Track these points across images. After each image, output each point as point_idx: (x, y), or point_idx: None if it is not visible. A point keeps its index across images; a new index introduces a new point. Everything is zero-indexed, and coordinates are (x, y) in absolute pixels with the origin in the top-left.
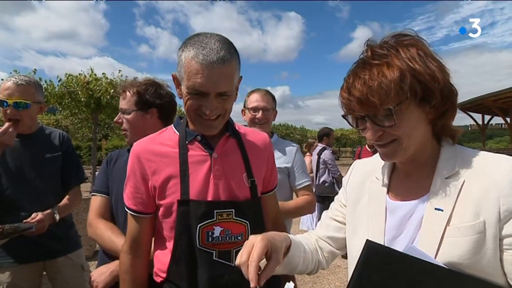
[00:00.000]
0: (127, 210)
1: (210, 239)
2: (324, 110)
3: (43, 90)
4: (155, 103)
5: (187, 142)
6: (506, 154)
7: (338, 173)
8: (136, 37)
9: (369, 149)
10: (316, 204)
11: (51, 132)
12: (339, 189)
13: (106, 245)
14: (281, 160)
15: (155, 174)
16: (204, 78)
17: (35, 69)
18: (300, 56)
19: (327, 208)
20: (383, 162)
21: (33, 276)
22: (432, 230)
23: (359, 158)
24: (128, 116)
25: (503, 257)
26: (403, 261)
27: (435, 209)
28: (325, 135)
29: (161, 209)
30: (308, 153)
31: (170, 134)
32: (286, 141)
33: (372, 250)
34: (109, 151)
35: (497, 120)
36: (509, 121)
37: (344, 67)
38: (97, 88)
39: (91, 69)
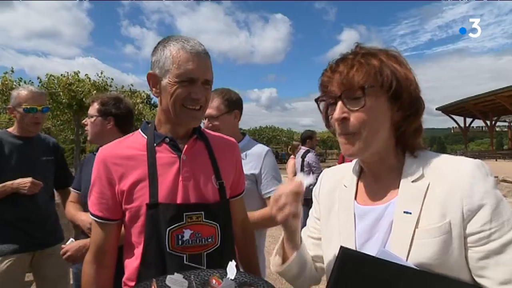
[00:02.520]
0: (91, 217)
1: (180, 243)
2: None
3: None
4: (112, 113)
5: (155, 144)
6: (487, 156)
7: None
8: (121, 37)
9: None
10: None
11: (45, 138)
12: None
13: (69, 217)
14: (248, 167)
15: (123, 178)
16: (195, 65)
17: (13, 68)
18: (288, 58)
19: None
20: (350, 169)
21: (22, 265)
22: (402, 233)
23: (343, 160)
24: (91, 120)
25: (468, 255)
26: (376, 265)
27: (404, 212)
28: (308, 137)
29: (129, 214)
30: (292, 156)
31: (137, 138)
32: (257, 143)
33: (346, 257)
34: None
35: (478, 123)
36: (489, 124)
37: None
38: (80, 89)
39: (75, 71)
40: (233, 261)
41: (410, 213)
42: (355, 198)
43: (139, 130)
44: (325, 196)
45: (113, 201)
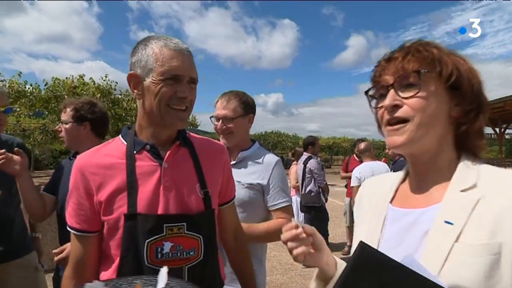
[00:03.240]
0: (69, 229)
1: (159, 256)
2: (318, 118)
3: (29, 94)
4: (88, 118)
5: (135, 152)
6: (496, 164)
7: (324, 183)
8: (130, 42)
9: (356, 158)
10: (302, 214)
11: (8, 139)
12: (325, 198)
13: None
14: (255, 176)
15: (101, 188)
16: (180, 62)
17: (20, 72)
18: (295, 64)
19: (313, 218)
20: (393, 176)
21: None
22: (438, 245)
23: (347, 167)
24: (66, 126)
25: None
26: (398, 272)
27: (445, 222)
28: (310, 143)
29: (107, 226)
30: (295, 162)
31: (117, 145)
32: (266, 152)
33: (365, 254)
34: None
35: (487, 130)
36: (498, 131)
37: (338, 75)
38: (84, 92)
39: (80, 75)
40: (165, 267)
41: (452, 224)
42: (391, 201)
43: (120, 136)
44: (365, 203)
45: (91, 212)
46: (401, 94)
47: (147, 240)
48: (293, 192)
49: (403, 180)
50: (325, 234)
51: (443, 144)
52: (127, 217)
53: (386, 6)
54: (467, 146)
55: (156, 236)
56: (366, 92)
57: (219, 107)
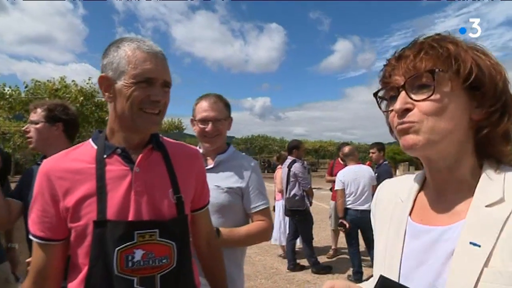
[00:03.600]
0: (32, 238)
1: (130, 264)
2: (304, 122)
3: (8, 96)
4: (61, 118)
5: (105, 156)
6: None
7: (309, 186)
8: None
9: (341, 162)
10: (285, 217)
11: None
12: (310, 202)
13: None
14: (234, 179)
15: (68, 194)
16: (153, 65)
17: None
18: (282, 68)
19: (298, 222)
20: (411, 180)
21: None
22: (465, 270)
23: (332, 170)
24: (37, 126)
25: None
26: None
27: (470, 243)
28: (294, 147)
29: (75, 233)
30: (280, 166)
31: (86, 149)
32: (243, 155)
33: None
34: None
35: None
36: None
37: (325, 80)
38: (67, 95)
39: (61, 77)
40: None
41: (479, 246)
42: (410, 214)
43: (90, 140)
44: (381, 210)
45: (56, 219)
46: (413, 96)
47: (117, 248)
48: (278, 196)
49: (421, 189)
50: (310, 238)
51: (463, 151)
52: (96, 224)
53: (371, 12)
54: (490, 152)
55: (127, 244)
56: (375, 94)
57: (206, 108)
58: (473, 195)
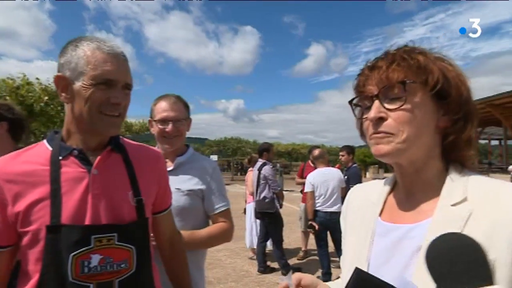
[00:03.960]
0: None
1: (86, 270)
2: (278, 124)
3: None
4: (6, 117)
5: (60, 157)
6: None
7: (279, 189)
8: None
9: (312, 165)
10: (256, 220)
11: None
12: (280, 204)
13: None
14: (194, 181)
15: (19, 198)
16: (114, 66)
17: None
18: (256, 70)
19: (268, 224)
20: (381, 184)
21: None
22: None
23: (302, 173)
24: None
25: None
26: None
27: None
28: (265, 150)
29: (26, 239)
30: (251, 168)
31: (40, 150)
32: (203, 156)
33: (360, 282)
34: None
35: None
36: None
37: (298, 83)
38: (30, 94)
39: (23, 74)
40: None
41: None
42: (380, 215)
43: (45, 141)
44: (351, 213)
45: (4, 225)
46: (386, 105)
47: (72, 254)
48: (249, 198)
49: (391, 191)
50: (280, 240)
51: (430, 155)
52: (49, 229)
53: (344, 18)
54: (455, 156)
55: (83, 249)
56: (351, 102)
57: (166, 108)
58: (439, 196)
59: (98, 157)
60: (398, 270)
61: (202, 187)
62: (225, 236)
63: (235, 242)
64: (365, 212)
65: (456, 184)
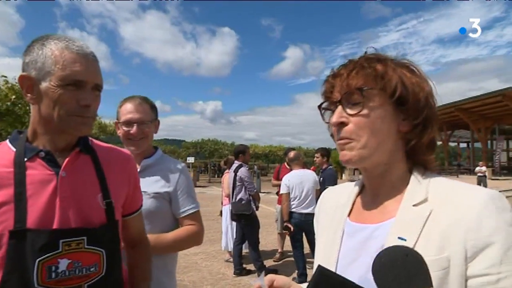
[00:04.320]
0: None
1: (53, 275)
2: (255, 126)
3: None
4: None
5: (25, 159)
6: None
7: (255, 190)
8: None
9: (287, 167)
10: (232, 222)
11: None
12: (256, 206)
13: None
14: (161, 184)
15: None
16: (83, 67)
17: None
18: (233, 72)
19: (244, 226)
20: (351, 186)
21: None
22: None
23: (278, 175)
24: None
25: None
26: None
27: (398, 238)
28: (240, 152)
29: None
30: (227, 170)
31: (3, 151)
32: (171, 159)
33: (322, 278)
34: None
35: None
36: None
37: (275, 85)
38: None
39: None
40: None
41: (405, 240)
42: (349, 216)
43: (7, 141)
44: (324, 215)
45: None
46: (348, 110)
47: (39, 259)
48: (225, 200)
49: (360, 192)
50: (256, 242)
51: (394, 159)
52: (13, 234)
53: (321, 22)
54: (418, 160)
55: (50, 254)
56: (320, 106)
57: (131, 110)
58: (403, 197)
59: (67, 159)
60: (364, 270)
61: (169, 189)
62: (194, 239)
63: (211, 244)
64: (335, 213)
65: (419, 186)
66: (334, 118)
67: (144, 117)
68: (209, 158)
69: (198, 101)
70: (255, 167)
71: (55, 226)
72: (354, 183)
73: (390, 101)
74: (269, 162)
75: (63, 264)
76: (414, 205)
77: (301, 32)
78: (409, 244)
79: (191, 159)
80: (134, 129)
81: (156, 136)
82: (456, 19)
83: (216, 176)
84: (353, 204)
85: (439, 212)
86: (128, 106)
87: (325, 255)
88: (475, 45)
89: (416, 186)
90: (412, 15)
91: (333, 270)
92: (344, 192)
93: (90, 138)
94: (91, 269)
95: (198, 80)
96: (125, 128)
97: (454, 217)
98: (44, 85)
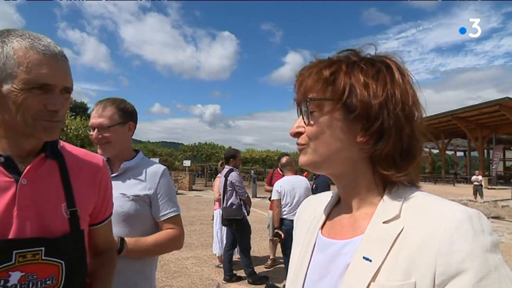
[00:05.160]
0: None
1: None
2: (254, 131)
3: None
4: None
5: None
6: (437, 181)
7: (246, 195)
8: (58, 40)
9: (280, 172)
10: (223, 227)
11: None
12: (247, 211)
13: None
14: (141, 186)
15: None
16: (51, 69)
17: None
18: (233, 76)
19: (235, 231)
20: (329, 197)
21: None
22: (355, 284)
23: (271, 180)
24: None
25: None
26: None
27: (363, 258)
28: (231, 156)
29: None
30: (219, 174)
31: None
32: (152, 161)
33: None
34: None
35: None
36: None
37: (275, 90)
38: None
39: None
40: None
41: (370, 261)
42: (322, 228)
43: None
44: (300, 225)
45: None
46: (304, 119)
47: None
48: (216, 205)
49: (336, 203)
50: (247, 248)
51: (358, 170)
52: None
53: (321, 28)
54: (380, 173)
55: (1, 266)
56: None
57: (93, 114)
58: (374, 212)
59: (29, 166)
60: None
61: (149, 192)
62: (174, 243)
63: (204, 249)
64: (310, 225)
65: (391, 201)
66: (292, 128)
67: (103, 122)
68: (206, 162)
69: (197, 104)
70: (252, 171)
71: (10, 236)
72: (332, 193)
73: (340, 109)
74: (266, 167)
75: (15, 277)
76: (384, 222)
77: (301, 38)
78: (374, 265)
79: (187, 163)
80: (94, 134)
81: (154, 138)
82: (455, 29)
83: (212, 180)
84: (328, 216)
85: (410, 230)
86: (94, 110)
87: (295, 269)
88: (473, 55)
89: (390, 201)
90: (411, 24)
91: (300, 286)
92: (322, 202)
93: (61, 142)
94: (47, 282)
95: (198, 83)
96: (90, 133)
97: (424, 238)
98: (5, 87)
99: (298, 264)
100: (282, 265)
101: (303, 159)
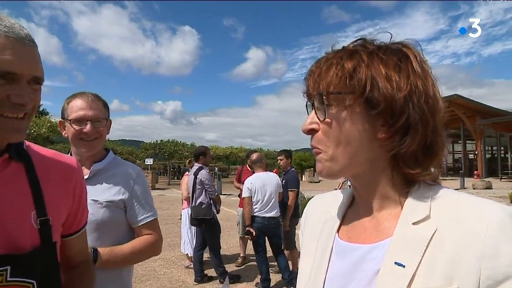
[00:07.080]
0: None
1: None
2: (216, 127)
3: None
4: None
5: None
6: None
7: (216, 194)
8: None
9: (249, 169)
10: (191, 227)
11: None
12: (217, 210)
13: None
14: (114, 191)
15: None
16: (16, 56)
17: None
18: (194, 72)
19: (204, 231)
20: (341, 196)
21: None
22: None
23: (240, 177)
24: None
25: None
26: None
27: (395, 263)
28: (201, 154)
29: None
30: (187, 172)
31: None
32: (124, 162)
33: None
34: None
35: None
36: None
37: (237, 86)
38: None
39: None
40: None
41: (404, 266)
42: (338, 231)
43: None
44: (310, 227)
45: None
46: (318, 115)
47: None
48: (185, 204)
49: (351, 203)
50: (217, 247)
51: (376, 168)
52: None
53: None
54: (403, 171)
55: None
56: (306, 104)
57: (83, 106)
58: (401, 211)
59: None
60: None
61: (124, 197)
62: (153, 250)
63: (171, 250)
64: (324, 226)
65: (419, 200)
66: (304, 125)
67: (98, 115)
68: (169, 160)
69: (157, 101)
70: (216, 168)
71: None
72: (343, 191)
73: (360, 104)
74: (230, 163)
75: None
76: (414, 223)
77: (263, 34)
78: (408, 271)
79: (149, 161)
80: (88, 128)
81: (113, 137)
82: (408, 29)
83: (175, 178)
84: (343, 217)
85: (445, 232)
86: (79, 102)
87: (309, 279)
88: (425, 53)
89: (417, 200)
90: (369, 23)
91: None
92: (335, 201)
93: (26, 142)
94: None
95: (158, 79)
96: (76, 127)
97: (463, 240)
98: None
99: (314, 273)
100: (253, 263)
101: (319, 166)
